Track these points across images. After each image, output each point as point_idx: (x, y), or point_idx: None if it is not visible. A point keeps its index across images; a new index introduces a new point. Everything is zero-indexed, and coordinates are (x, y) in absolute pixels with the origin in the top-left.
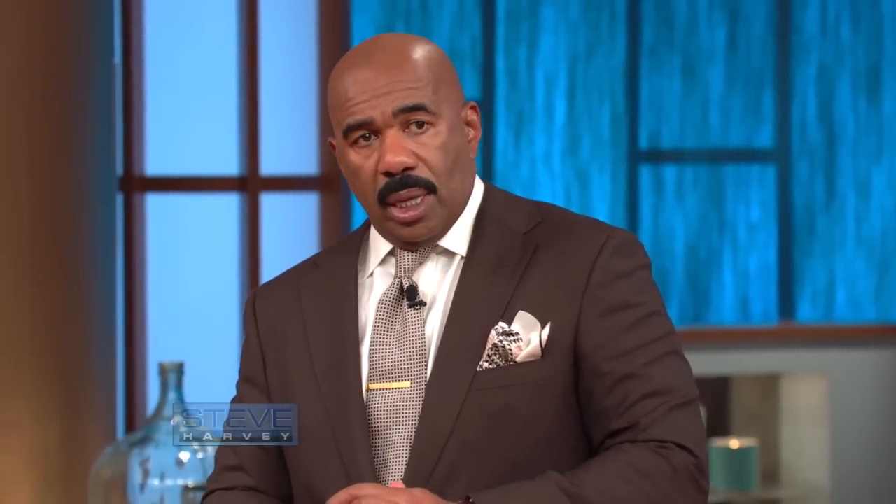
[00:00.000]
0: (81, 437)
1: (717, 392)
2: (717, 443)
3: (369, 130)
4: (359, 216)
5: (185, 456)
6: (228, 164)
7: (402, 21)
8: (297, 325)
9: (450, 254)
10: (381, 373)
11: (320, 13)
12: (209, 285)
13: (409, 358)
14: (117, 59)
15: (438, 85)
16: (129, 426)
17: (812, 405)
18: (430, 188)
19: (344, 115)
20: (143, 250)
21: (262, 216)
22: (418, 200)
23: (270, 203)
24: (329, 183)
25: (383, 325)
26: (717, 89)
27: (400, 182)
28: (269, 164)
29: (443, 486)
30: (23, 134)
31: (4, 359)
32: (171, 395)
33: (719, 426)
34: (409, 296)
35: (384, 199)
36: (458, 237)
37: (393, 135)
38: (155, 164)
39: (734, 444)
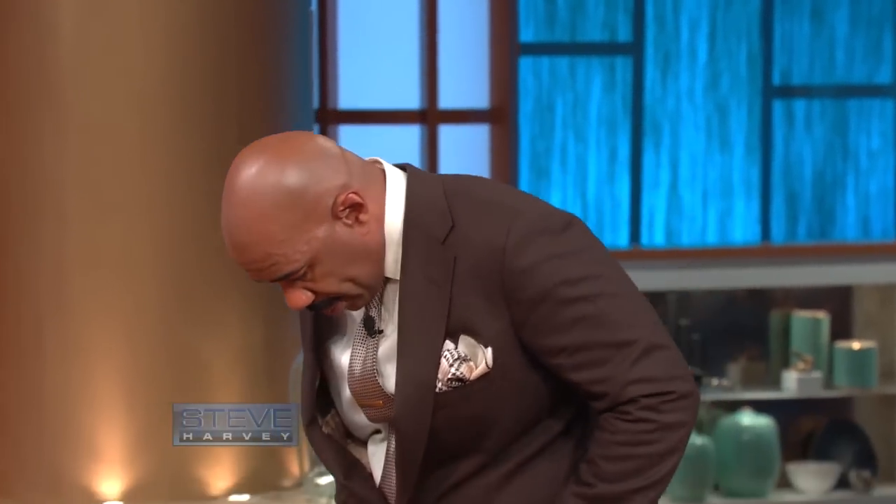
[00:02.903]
0: (282, 339)
1: (840, 300)
2: (841, 345)
3: None
4: (525, 149)
5: None
6: (410, 98)
7: None
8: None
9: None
10: (360, 395)
11: None
12: None
13: (373, 383)
14: (314, 6)
15: (287, 241)
16: None
17: None
18: (339, 297)
19: None
20: None
21: (439, 146)
22: (337, 305)
23: (447, 134)
24: (498, 116)
25: (357, 350)
26: (842, 31)
27: (314, 309)
28: (446, 99)
29: (433, 469)
30: (234, 73)
31: (216, 269)
32: None
33: (842, 330)
34: (366, 327)
35: None
36: (394, 262)
37: (285, 285)
38: (346, 98)
39: (856, 346)
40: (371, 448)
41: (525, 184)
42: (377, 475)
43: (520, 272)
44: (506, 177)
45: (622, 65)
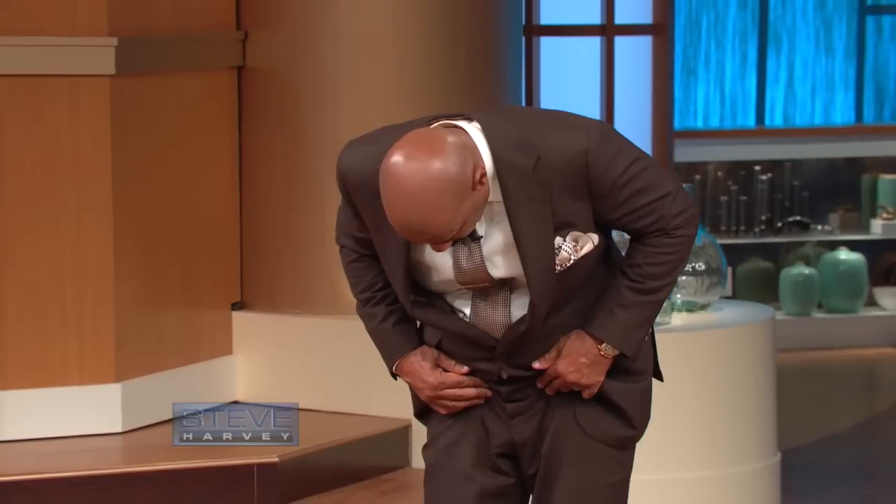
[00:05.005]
0: None
1: None
2: None
3: None
4: (678, 54)
5: None
6: (593, 15)
7: None
8: None
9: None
10: (467, 281)
11: None
12: (580, 104)
13: (482, 273)
14: None
15: (453, 222)
16: None
17: None
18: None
19: None
20: (537, 80)
21: (616, 56)
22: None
23: (620, 44)
24: (659, 29)
25: (461, 251)
26: None
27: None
28: (620, 16)
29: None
30: None
31: None
32: None
33: None
34: (470, 235)
35: None
36: (492, 189)
37: None
38: (545, 14)
39: None
40: (451, 297)
41: (677, 82)
42: (468, 314)
43: (600, 176)
44: (664, 77)
45: None
